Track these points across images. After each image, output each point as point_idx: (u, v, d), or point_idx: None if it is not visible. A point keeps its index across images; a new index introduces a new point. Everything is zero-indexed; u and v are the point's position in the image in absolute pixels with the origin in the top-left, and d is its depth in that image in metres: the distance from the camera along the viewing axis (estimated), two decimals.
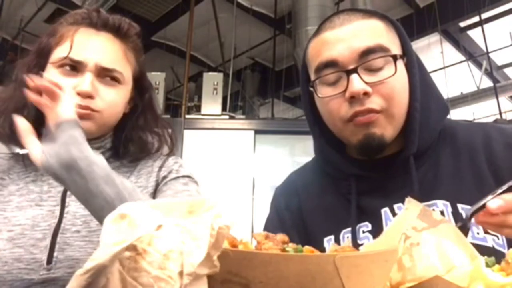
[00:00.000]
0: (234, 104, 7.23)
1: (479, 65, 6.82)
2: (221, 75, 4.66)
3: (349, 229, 0.78)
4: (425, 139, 0.78)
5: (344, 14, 0.80)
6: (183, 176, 0.90)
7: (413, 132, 0.77)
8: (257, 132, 3.15)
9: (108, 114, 0.84)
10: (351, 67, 0.74)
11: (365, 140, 0.75)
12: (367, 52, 0.74)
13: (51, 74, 0.82)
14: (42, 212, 0.79)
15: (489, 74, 6.73)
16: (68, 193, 0.81)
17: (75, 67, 0.82)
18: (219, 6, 5.59)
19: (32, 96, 0.69)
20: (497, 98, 5.99)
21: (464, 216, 0.70)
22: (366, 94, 0.73)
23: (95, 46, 0.85)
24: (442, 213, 0.71)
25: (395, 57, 0.74)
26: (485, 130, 0.80)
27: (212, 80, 4.50)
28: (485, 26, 5.85)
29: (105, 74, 0.84)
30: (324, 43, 0.78)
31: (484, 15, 5.77)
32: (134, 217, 0.28)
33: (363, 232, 0.77)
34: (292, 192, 0.91)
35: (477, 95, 6.60)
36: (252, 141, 3.17)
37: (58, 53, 0.84)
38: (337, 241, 0.79)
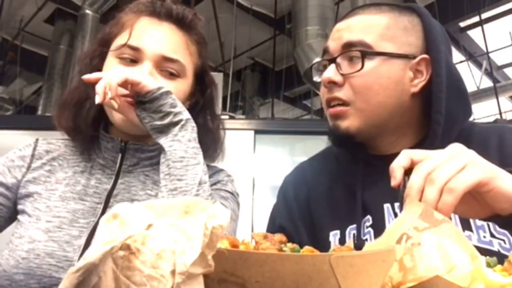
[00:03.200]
0: (234, 104, 7.24)
1: (479, 65, 6.82)
2: (221, 75, 4.65)
3: (355, 225, 0.77)
4: (444, 145, 0.77)
5: (359, 9, 0.83)
6: (226, 191, 0.87)
7: (432, 145, 0.75)
8: (257, 132, 3.14)
9: None
10: (335, 56, 0.78)
11: (331, 130, 0.80)
12: (348, 45, 0.77)
13: (111, 63, 0.81)
14: (83, 207, 0.78)
15: (489, 74, 6.73)
16: (114, 193, 0.80)
17: (135, 57, 0.80)
18: (219, 6, 5.59)
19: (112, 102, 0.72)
20: (497, 98, 5.99)
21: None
22: (335, 83, 0.77)
23: (156, 35, 0.82)
24: None
25: (363, 53, 0.75)
26: (500, 131, 0.79)
27: None
28: (485, 26, 5.85)
29: (165, 66, 0.81)
30: (331, 33, 0.83)
31: (484, 15, 5.77)
32: (126, 217, 0.28)
33: (366, 227, 0.76)
34: (301, 183, 0.90)
35: (477, 95, 6.59)
36: (252, 141, 3.16)
37: (118, 41, 0.82)
38: (343, 236, 0.78)
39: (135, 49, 0.80)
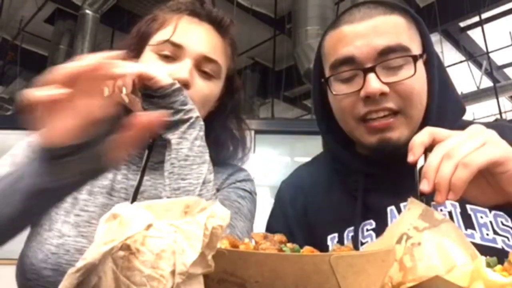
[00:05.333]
0: None
1: (479, 65, 6.82)
2: None
3: (353, 227, 0.76)
4: None
5: (365, 8, 0.76)
6: (244, 190, 0.86)
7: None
8: (257, 132, 3.14)
9: (199, 107, 0.77)
10: (368, 65, 0.71)
11: (380, 144, 0.73)
12: (387, 51, 0.71)
13: (148, 58, 0.80)
14: (111, 202, 0.77)
15: (489, 74, 6.73)
16: (141, 189, 0.79)
17: (175, 54, 0.79)
18: (219, 6, 5.58)
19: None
20: (497, 98, 5.98)
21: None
22: (382, 94, 0.70)
23: (198, 34, 0.82)
24: (450, 213, 0.70)
25: (415, 58, 0.71)
26: (499, 130, 0.78)
27: None
28: (485, 26, 5.85)
29: (204, 65, 0.81)
30: (342, 38, 0.75)
31: (484, 15, 5.77)
32: (125, 217, 0.28)
33: (367, 230, 0.75)
34: (298, 187, 0.89)
35: (477, 95, 6.59)
36: (252, 141, 3.16)
37: (159, 37, 0.81)
38: (341, 239, 0.77)
39: (177, 45, 0.79)
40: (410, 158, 0.55)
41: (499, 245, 0.66)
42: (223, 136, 0.89)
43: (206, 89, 0.81)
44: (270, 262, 0.30)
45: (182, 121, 0.73)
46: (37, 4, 5.95)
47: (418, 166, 0.55)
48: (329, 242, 0.79)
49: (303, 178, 0.91)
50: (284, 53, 6.15)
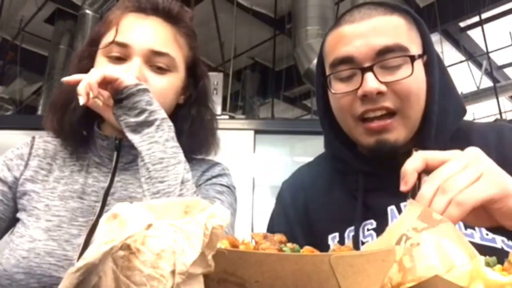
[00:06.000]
0: (234, 104, 7.24)
1: (479, 65, 6.81)
2: (221, 75, 4.63)
3: (353, 227, 0.77)
4: (439, 141, 0.76)
5: (365, 8, 0.77)
6: (222, 185, 0.87)
7: (429, 134, 0.75)
8: (257, 132, 3.14)
9: (160, 103, 0.76)
10: (366, 64, 0.72)
11: (377, 146, 0.74)
12: (385, 51, 0.72)
13: (100, 62, 0.80)
14: (82, 206, 0.78)
15: (489, 74, 6.73)
16: (111, 191, 0.80)
17: (123, 54, 0.79)
18: (219, 6, 5.58)
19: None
20: (497, 98, 5.98)
21: None
22: (380, 93, 0.71)
23: (143, 30, 0.81)
24: None
25: (413, 58, 0.72)
26: (499, 130, 0.79)
27: (212, 80, 4.45)
28: (485, 26, 5.84)
29: (155, 60, 0.80)
30: (342, 38, 0.76)
31: (484, 15, 5.77)
32: (125, 217, 0.28)
33: (368, 230, 0.76)
34: (299, 188, 0.90)
35: (477, 95, 6.58)
36: (252, 141, 3.16)
37: (106, 39, 0.81)
38: (342, 239, 0.78)
39: (122, 45, 0.79)
40: (403, 188, 0.54)
41: (499, 245, 0.66)
42: (192, 126, 0.89)
43: (162, 84, 0.81)
44: (270, 262, 0.30)
45: (148, 123, 0.73)
46: (37, 4, 5.94)
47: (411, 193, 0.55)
48: (330, 242, 0.79)
49: (304, 178, 0.92)
50: (284, 53, 6.15)
